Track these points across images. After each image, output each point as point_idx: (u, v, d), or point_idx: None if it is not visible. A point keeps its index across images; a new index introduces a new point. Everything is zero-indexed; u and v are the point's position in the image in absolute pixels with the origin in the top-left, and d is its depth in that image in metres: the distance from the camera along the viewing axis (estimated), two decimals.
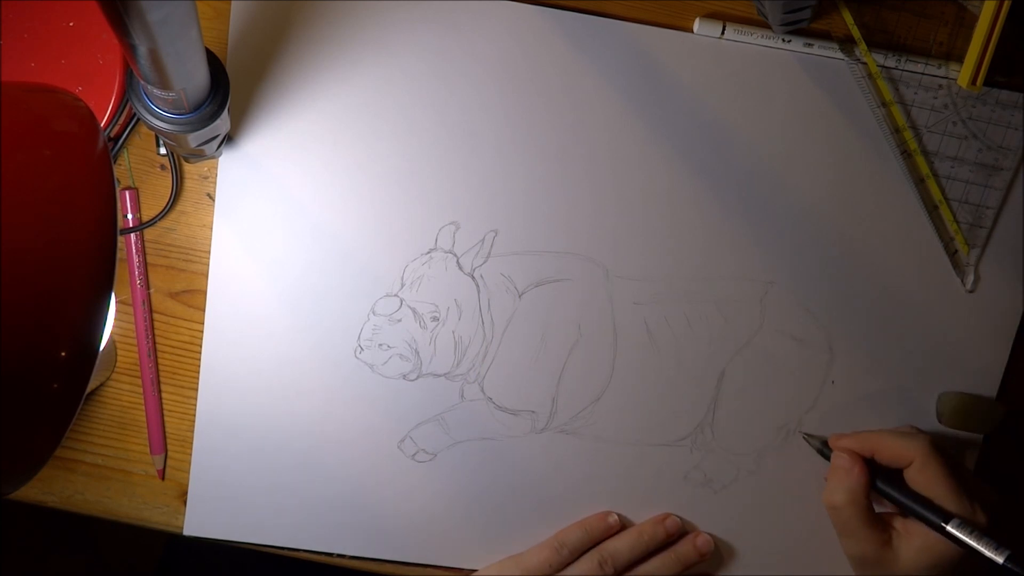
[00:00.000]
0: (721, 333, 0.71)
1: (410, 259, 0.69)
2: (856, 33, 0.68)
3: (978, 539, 0.60)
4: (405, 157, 0.68)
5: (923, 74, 0.69)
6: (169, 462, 0.71)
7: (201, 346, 0.70)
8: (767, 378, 0.72)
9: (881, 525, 0.65)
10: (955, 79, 0.69)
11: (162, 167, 0.68)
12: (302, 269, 0.69)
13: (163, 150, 0.68)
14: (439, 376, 0.71)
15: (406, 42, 0.67)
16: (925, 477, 0.63)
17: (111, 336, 0.68)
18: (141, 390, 0.70)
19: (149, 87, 0.50)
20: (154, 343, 0.70)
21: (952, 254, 0.71)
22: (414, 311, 0.70)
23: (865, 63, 0.68)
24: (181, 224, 0.69)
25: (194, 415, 0.70)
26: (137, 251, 0.69)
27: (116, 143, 0.67)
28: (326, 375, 0.70)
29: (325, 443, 0.71)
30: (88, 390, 0.67)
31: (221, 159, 0.68)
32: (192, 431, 0.70)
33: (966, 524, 0.61)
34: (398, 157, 0.68)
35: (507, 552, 0.72)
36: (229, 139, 0.67)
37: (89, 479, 0.72)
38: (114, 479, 0.71)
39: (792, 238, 0.71)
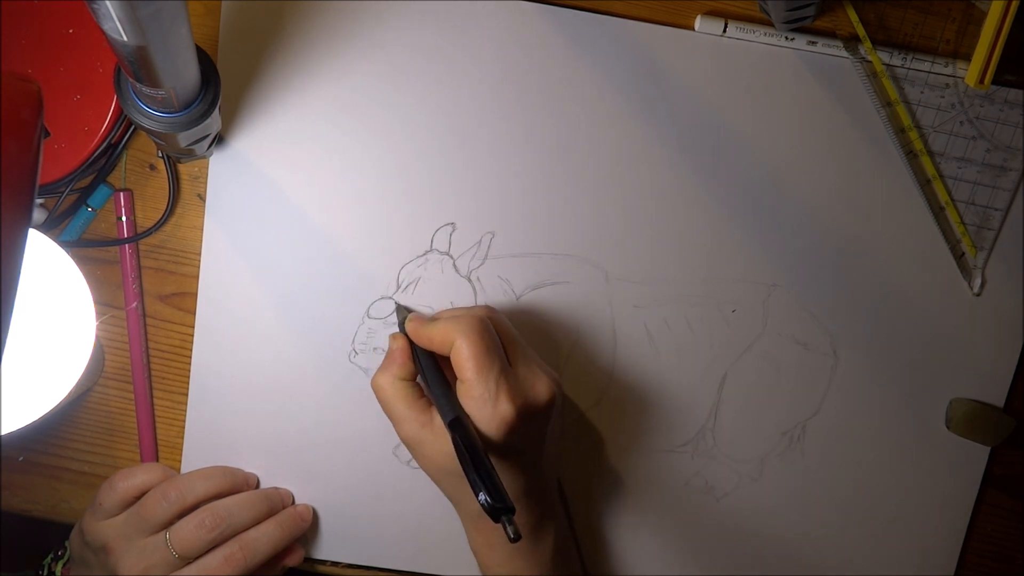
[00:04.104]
0: (723, 337, 0.70)
1: (405, 261, 0.68)
2: (860, 30, 0.67)
3: (466, 454, 0.54)
4: (400, 157, 0.67)
5: (929, 72, 0.68)
6: None
7: (191, 350, 0.68)
8: (770, 383, 0.71)
9: (422, 406, 0.61)
10: (962, 77, 0.68)
11: (151, 167, 0.67)
12: (295, 271, 0.68)
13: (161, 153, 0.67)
14: None
15: (401, 39, 0.66)
16: (458, 362, 0.59)
17: (98, 341, 0.67)
18: (129, 395, 0.69)
19: (138, 85, 0.49)
20: (147, 350, 0.68)
21: (959, 257, 0.70)
22: None
23: (870, 61, 0.67)
24: (171, 225, 0.68)
25: (184, 421, 0.69)
26: (131, 254, 0.67)
27: (116, 149, 0.66)
28: (319, 379, 0.69)
29: (318, 449, 0.70)
30: (75, 395, 0.66)
31: (212, 159, 0.66)
32: (182, 437, 0.69)
33: (462, 427, 0.56)
34: (393, 157, 0.67)
35: None
36: (220, 138, 0.66)
37: (75, 487, 0.70)
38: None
39: (795, 240, 0.70)
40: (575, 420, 0.71)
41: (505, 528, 0.52)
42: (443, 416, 0.58)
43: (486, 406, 0.58)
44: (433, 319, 0.62)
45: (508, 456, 0.60)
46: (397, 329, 0.68)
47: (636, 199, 0.69)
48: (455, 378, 0.60)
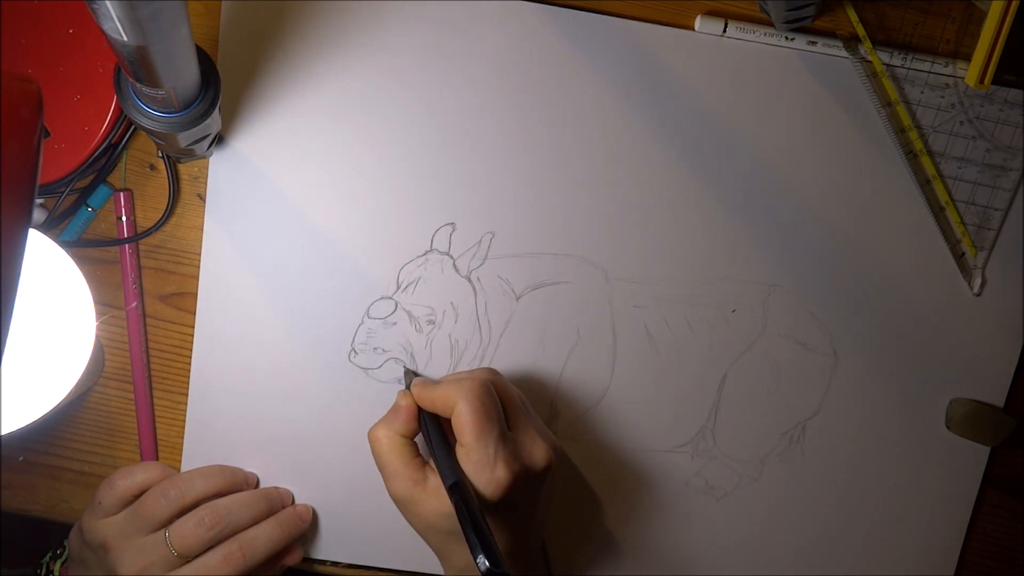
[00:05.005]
0: (723, 337, 0.70)
1: (405, 261, 0.68)
2: (860, 30, 0.67)
3: (466, 516, 0.55)
4: (400, 157, 0.67)
5: (930, 72, 0.68)
6: None
7: (191, 350, 0.68)
8: (770, 383, 0.71)
9: (417, 465, 0.62)
10: (962, 77, 0.67)
11: (151, 167, 0.67)
12: (295, 271, 0.68)
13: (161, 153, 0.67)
14: None
15: (401, 40, 0.66)
16: (458, 426, 0.60)
17: (98, 341, 0.67)
18: (129, 395, 0.69)
19: (138, 85, 0.49)
20: (147, 350, 0.68)
21: (959, 257, 0.70)
22: (409, 314, 0.68)
23: (870, 61, 0.67)
24: (171, 225, 0.68)
25: (184, 421, 0.69)
26: (131, 254, 0.67)
27: (116, 149, 0.66)
28: (319, 379, 0.69)
29: (318, 449, 0.70)
30: (75, 395, 0.66)
31: (212, 159, 0.66)
32: (182, 437, 0.69)
33: (463, 491, 0.57)
34: (393, 157, 0.67)
35: None
36: (220, 138, 0.66)
37: (75, 487, 0.70)
38: None
39: (795, 240, 0.70)
40: (574, 420, 0.71)
41: None
42: (444, 478, 0.58)
43: (483, 471, 0.59)
44: (437, 382, 0.63)
45: (500, 515, 0.60)
46: (396, 331, 0.68)
47: (636, 199, 0.69)
48: (456, 441, 0.60)
